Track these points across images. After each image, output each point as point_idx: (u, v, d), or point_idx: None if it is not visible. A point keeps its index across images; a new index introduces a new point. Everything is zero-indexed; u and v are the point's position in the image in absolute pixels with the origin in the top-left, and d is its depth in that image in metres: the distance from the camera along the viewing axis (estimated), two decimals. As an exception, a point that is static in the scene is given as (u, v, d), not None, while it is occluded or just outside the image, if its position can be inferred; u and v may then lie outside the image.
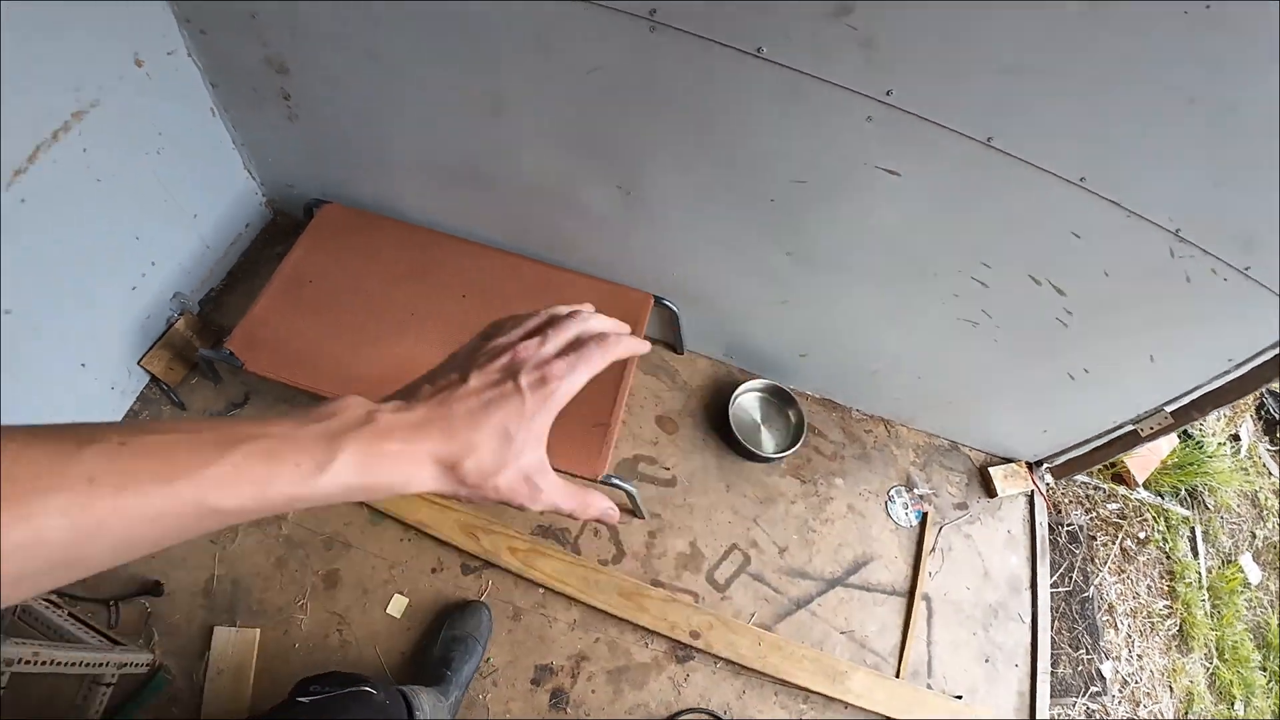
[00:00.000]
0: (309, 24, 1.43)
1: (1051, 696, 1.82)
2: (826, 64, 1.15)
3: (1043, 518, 2.04)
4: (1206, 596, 2.24)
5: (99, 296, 1.59)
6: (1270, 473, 2.59)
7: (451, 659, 1.52)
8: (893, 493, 2.00)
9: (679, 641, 1.69)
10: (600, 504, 0.47)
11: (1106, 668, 1.96)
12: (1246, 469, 2.52)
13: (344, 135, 1.72)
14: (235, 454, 0.32)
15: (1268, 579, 2.36)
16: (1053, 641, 1.90)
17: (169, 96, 1.58)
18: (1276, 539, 2.44)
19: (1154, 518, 2.29)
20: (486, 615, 1.63)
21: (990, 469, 2.07)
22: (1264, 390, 2.13)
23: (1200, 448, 2.41)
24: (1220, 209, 1.18)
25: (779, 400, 2.05)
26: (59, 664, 1.25)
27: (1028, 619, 1.90)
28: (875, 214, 1.41)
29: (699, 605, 1.74)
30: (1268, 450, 2.65)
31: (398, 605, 1.65)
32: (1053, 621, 1.93)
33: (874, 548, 1.92)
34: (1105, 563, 2.15)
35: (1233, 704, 2.09)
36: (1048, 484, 2.11)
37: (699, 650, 1.68)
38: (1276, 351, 1.39)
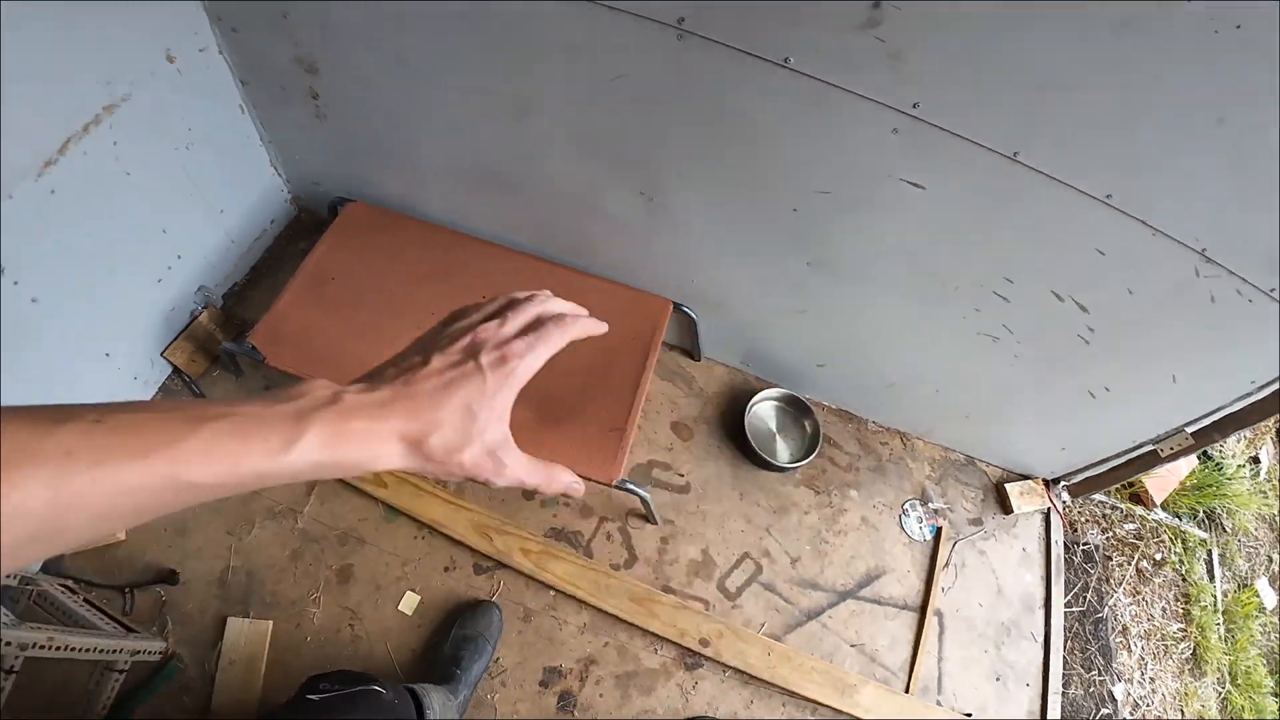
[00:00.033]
0: (340, 25, 1.45)
1: (1062, 717, 1.80)
2: (853, 75, 1.15)
3: (1058, 536, 2.02)
4: (1221, 620, 2.21)
5: (125, 288, 1.61)
6: (1290, 497, 2.55)
7: (461, 658, 1.52)
8: (907, 506, 1.99)
9: (688, 649, 1.68)
10: (564, 478, 0.48)
11: (1119, 689, 1.94)
12: (1266, 492, 2.49)
13: (371, 135, 1.74)
14: (205, 430, 0.33)
15: (1284, 605, 2.33)
16: (1065, 661, 1.88)
17: (199, 93, 1.60)
18: (1295, 564, 2.41)
19: (1171, 539, 2.27)
20: (497, 615, 1.64)
21: (1006, 485, 2.05)
22: (1286, 413, 2.11)
23: (1220, 469, 2.38)
24: (1247, 230, 1.17)
25: (795, 410, 2.05)
26: (73, 649, 1.27)
27: (1040, 638, 1.88)
28: (898, 226, 1.41)
29: (709, 613, 1.74)
30: (1288, 474, 2.61)
31: (410, 602, 1.66)
32: (1065, 641, 1.91)
33: (887, 561, 1.90)
34: (1120, 583, 2.13)
35: (1245, 730, 2.07)
36: (1064, 502, 2.09)
37: (708, 658, 1.68)
38: (1301, 374, 1.38)
